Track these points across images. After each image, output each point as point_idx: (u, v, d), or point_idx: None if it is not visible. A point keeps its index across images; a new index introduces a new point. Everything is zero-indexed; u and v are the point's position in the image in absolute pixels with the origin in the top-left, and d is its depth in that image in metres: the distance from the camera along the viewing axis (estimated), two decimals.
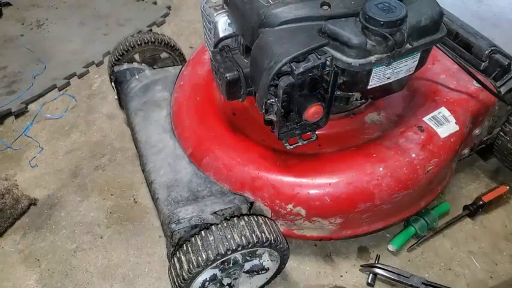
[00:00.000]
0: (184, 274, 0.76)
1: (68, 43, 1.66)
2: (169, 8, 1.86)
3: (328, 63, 0.63)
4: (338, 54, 0.63)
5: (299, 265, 0.99)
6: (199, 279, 0.80)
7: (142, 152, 0.97)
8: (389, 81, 0.70)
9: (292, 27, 0.64)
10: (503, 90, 0.94)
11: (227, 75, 0.72)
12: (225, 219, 0.82)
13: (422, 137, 0.87)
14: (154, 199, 0.89)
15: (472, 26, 0.98)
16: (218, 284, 0.86)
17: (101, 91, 1.47)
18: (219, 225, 0.78)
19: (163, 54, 1.29)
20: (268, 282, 0.94)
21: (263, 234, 0.77)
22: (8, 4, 1.87)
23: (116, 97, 1.26)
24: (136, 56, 1.25)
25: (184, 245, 0.78)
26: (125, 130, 1.30)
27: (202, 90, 1.01)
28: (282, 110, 0.67)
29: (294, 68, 0.61)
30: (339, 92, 0.79)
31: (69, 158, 1.25)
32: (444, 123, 0.89)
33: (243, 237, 0.76)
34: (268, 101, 0.67)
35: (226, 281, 0.86)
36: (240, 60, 0.75)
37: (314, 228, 0.89)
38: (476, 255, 0.99)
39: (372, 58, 0.63)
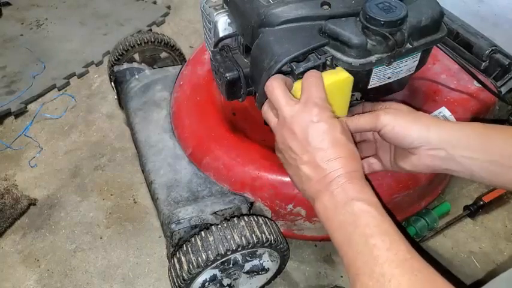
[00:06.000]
0: (184, 274, 0.75)
1: (67, 43, 1.66)
2: (169, 7, 1.86)
3: (328, 63, 0.63)
4: (338, 54, 0.63)
5: (299, 265, 0.99)
6: (199, 280, 0.80)
7: (142, 152, 0.97)
8: (390, 81, 0.70)
9: (292, 26, 0.64)
10: (503, 90, 0.94)
11: (227, 75, 0.72)
12: (225, 219, 0.81)
13: None
14: (154, 199, 0.88)
15: (472, 26, 0.98)
16: (218, 285, 0.86)
17: (100, 91, 1.46)
18: (219, 226, 0.78)
19: (163, 54, 1.29)
20: (268, 282, 0.93)
21: (263, 235, 0.77)
22: (8, 4, 1.86)
23: (115, 97, 1.26)
24: (136, 56, 1.25)
25: (184, 245, 0.78)
26: (125, 130, 1.30)
27: (202, 90, 1.01)
28: None
29: (294, 67, 0.61)
30: None
31: (69, 158, 1.25)
32: None
33: (243, 237, 0.76)
34: None
35: (226, 281, 0.86)
36: (240, 60, 0.75)
37: (314, 228, 0.88)
38: (476, 255, 0.99)
39: (373, 58, 0.62)
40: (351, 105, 0.73)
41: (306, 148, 0.55)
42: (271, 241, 0.78)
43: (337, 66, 0.63)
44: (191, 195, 0.86)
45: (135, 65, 1.19)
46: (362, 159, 0.60)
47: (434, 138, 0.55)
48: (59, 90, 1.47)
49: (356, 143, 0.60)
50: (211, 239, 0.76)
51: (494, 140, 0.55)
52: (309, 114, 0.55)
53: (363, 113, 0.64)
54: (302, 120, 0.55)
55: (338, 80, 0.60)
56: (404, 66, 0.69)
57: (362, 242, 0.47)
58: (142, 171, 0.96)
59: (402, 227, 0.98)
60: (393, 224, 0.50)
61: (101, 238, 1.06)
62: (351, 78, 0.61)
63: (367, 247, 0.46)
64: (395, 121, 0.57)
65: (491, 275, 0.95)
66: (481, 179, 0.56)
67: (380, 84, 0.69)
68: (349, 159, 0.54)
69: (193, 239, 0.77)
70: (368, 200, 0.51)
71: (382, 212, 0.50)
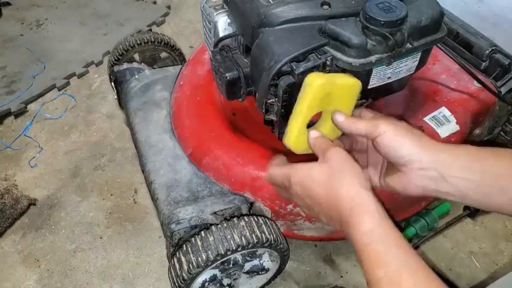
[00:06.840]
0: (184, 274, 0.75)
1: (67, 43, 1.66)
2: (169, 7, 1.86)
3: (328, 63, 0.63)
4: (338, 54, 0.63)
5: (299, 265, 0.99)
6: (199, 280, 0.80)
7: (142, 152, 0.97)
8: (390, 81, 0.70)
9: (292, 26, 0.64)
10: (503, 90, 0.94)
11: (227, 75, 0.72)
12: (225, 219, 0.81)
13: None
14: (154, 199, 0.88)
15: (472, 26, 0.98)
16: (218, 285, 0.86)
17: (100, 91, 1.46)
18: (219, 226, 0.78)
19: (163, 54, 1.29)
20: (268, 282, 0.93)
21: (263, 235, 0.77)
22: (8, 4, 1.86)
23: (115, 97, 1.26)
24: (136, 56, 1.25)
25: (184, 245, 0.78)
26: (125, 130, 1.30)
27: (202, 90, 1.01)
28: (282, 110, 0.66)
29: (294, 67, 0.61)
30: None
31: (69, 158, 1.25)
32: (445, 123, 0.89)
33: (243, 237, 0.76)
34: (268, 101, 0.67)
35: (226, 281, 0.86)
36: (240, 60, 0.75)
37: (314, 228, 0.88)
38: (476, 255, 0.99)
39: (373, 58, 0.62)
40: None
41: (310, 208, 0.60)
42: (271, 241, 0.78)
43: (337, 66, 0.63)
44: (191, 195, 0.86)
45: (135, 65, 1.19)
46: None
47: (426, 157, 0.55)
48: (59, 90, 1.47)
49: (348, 151, 0.60)
50: (211, 239, 0.76)
51: (486, 160, 0.55)
52: (293, 188, 0.61)
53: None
54: (294, 194, 0.62)
55: (346, 84, 0.61)
56: (404, 66, 0.69)
57: (369, 275, 0.50)
58: (142, 171, 0.96)
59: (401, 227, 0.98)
60: (391, 247, 0.50)
61: (101, 238, 1.06)
62: (359, 83, 0.61)
63: (374, 278, 0.49)
64: (393, 131, 0.56)
65: (492, 276, 0.95)
66: (473, 201, 0.55)
67: (380, 84, 0.69)
68: (342, 192, 0.55)
69: (193, 239, 0.77)
70: (367, 231, 0.52)
71: (381, 240, 0.51)
